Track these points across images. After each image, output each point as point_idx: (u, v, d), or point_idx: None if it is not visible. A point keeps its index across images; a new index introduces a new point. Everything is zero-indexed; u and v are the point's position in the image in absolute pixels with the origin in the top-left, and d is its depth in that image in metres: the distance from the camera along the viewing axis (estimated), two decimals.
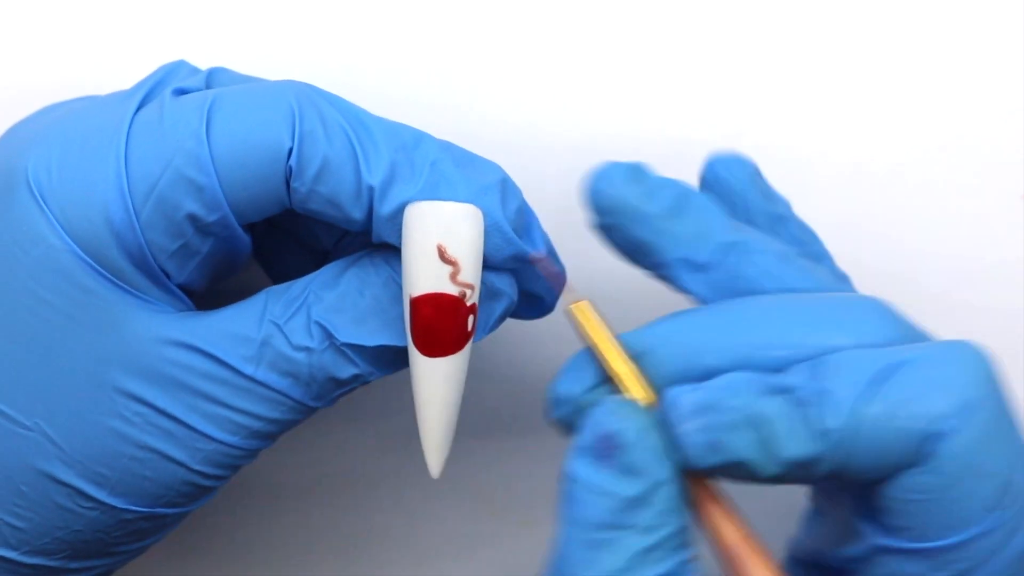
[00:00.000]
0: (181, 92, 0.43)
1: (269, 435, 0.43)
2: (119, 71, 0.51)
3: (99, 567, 0.45)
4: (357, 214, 0.41)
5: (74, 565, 0.44)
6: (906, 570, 0.39)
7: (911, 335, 0.41)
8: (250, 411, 0.42)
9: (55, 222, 0.41)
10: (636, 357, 0.41)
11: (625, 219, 0.43)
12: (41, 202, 0.41)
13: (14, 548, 0.43)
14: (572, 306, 0.42)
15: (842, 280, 0.47)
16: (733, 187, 0.47)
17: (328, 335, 0.42)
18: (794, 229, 0.47)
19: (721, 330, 0.41)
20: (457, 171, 0.42)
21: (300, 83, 0.42)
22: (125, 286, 0.41)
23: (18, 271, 0.41)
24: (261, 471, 0.55)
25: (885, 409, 0.38)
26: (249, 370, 0.42)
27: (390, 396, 0.54)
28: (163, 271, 0.42)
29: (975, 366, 0.39)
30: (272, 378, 0.42)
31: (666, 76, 0.53)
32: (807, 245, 0.47)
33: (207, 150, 0.40)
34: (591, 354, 0.42)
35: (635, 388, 0.41)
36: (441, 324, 0.41)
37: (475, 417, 0.55)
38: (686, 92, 0.53)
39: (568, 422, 0.42)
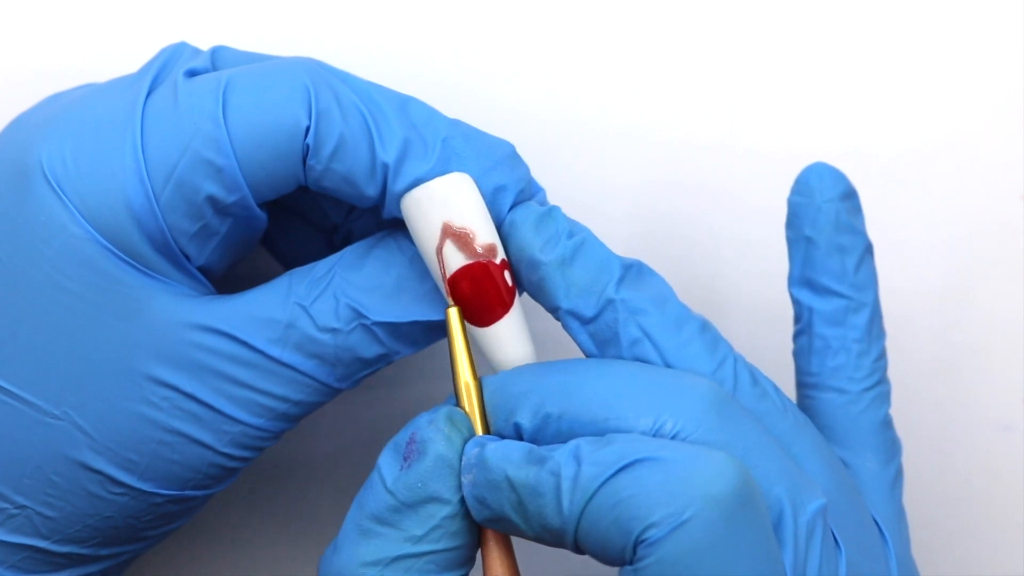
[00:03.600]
0: (192, 74, 0.43)
1: (293, 417, 0.44)
2: (116, 56, 0.51)
3: (129, 552, 0.45)
4: (371, 191, 0.42)
5: (105, 552, 0.44)
6: None
7: (722, 431, 0.40)
8: (275, 393, 0.43)
9: (75, 211, 0.41)
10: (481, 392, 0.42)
11: (523, 264, 0.42)
12: (59, 192, 0.41)
13: (46, 537, 0.43)
14: (449, 309, 0.42)
15: (866, 341, 0.46)
16: (814, 197, 0.46)
17: (358, 315, 0.43)
18: (851, 264, 0.46)
19: (548, 388, 0.41)
20: (467, 146, 0.42)
21: (310, 60, 0.43)
22: (148, 271, 0.42)
23: (40, 262, 0.41)
24: (261, 470, 0.55)
25: (610, 502, 0.38)
26: (275, 352, 0.42)
27: (390, 399, 0.54)
28: (184, 254, 0.42)
29: (710, 480, 0.38)
30: (297, 360, 0.43)
31: (669, 75, 0.53)
32: (856, 289, 0.46)
33: (225, 132, 0.41)
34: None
35: (470, 408, 0.42)
36: (483, 292, 0.42)
37: None
38: (689, 89, 0.53)
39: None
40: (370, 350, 0.43)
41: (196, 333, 0.42)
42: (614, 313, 0.42)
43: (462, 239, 0.41)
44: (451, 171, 0.42)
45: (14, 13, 0.52)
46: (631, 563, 0.38)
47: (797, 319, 0.47)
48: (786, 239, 0.47)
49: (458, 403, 0.42)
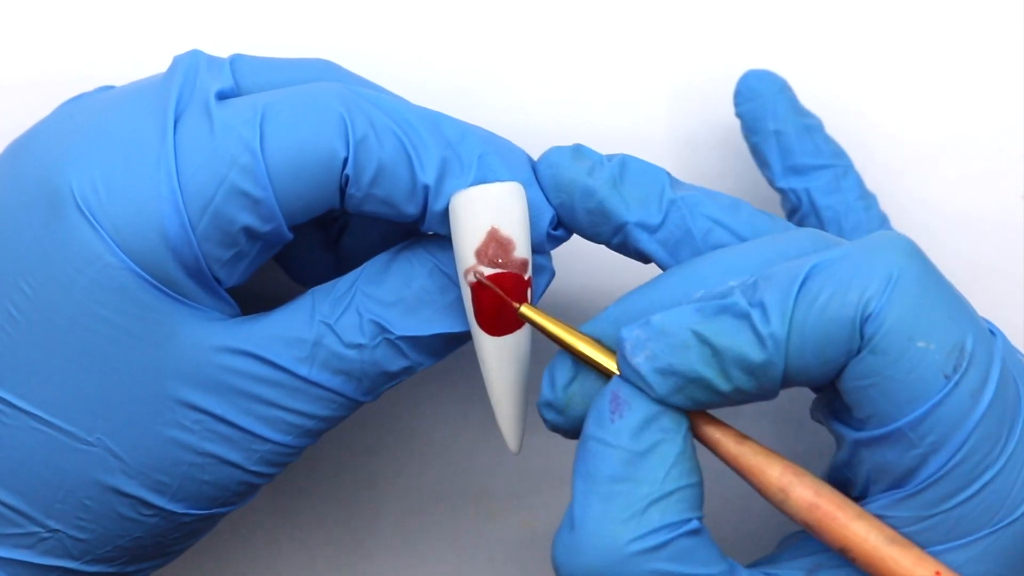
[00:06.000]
0: (221, 95, 0.43)
1: (318, 432, 0.44)
2: (123, 59, 0.51)
3: (153, 566, 0.46)
4: (411, 210, 0.43)
5: (131, 568, 0.45)
6: (886, 457, 0.40)
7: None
8: (303, 411, 0.43)
9: (109, 240, 0.41)
10: (598, 341, 0.43)
11: (577, 193, 0.44)
12: (93, 221, 0.41)
13: (76, 559, 0.44)
14: (522, 309, 0.42)
15: (866, 197, 0.50)
16: (765, 96, 0.50)
17: (382, 330, 0.43)
18: (820, 141, 0.50)
19: (663, 292, 0.42)
20: (502, 163, 0.43)
21: (341, 85, 0.43)
22: (180, 297, 0.42)
23: (73, 291, 0.41)
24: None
25: (816, 304, 0.39)
26: (303, 371, 0.43)
27: (388, 403, 0.54)
28: (215, 279, 0.42)
29: (893, 248, 0.40)
30: (325, 377, 0.43)
31: (671, 75, 0.54)
32: (835, 157, 0.50)
33: (262, 164, 0.41)
34: (559, 357, 0.43)
35: (610, 360, 0.42)
36: (506, 302, 0.42)
37: (475, 417, 0.56)
38: (690, 89, 0.54)
39: (561, 425, 0.43)
40: (395, 363, 0.44)
41: (225, 356, 0.43)
42: (679, 212, 0.44)
43: (504, 247, 0.42)
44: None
45: (21, 18, 0.52)
46: (860, 350, 0.40)
47: (795, 209, 0.50)
48: (751, 147, 0.51)
49: (588, 364, 0.42)
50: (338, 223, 0.50)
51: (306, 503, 0.56)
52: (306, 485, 0.56)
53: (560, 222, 0.44)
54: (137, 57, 0.51)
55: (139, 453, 0.43)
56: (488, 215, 0.42)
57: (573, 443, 0.55)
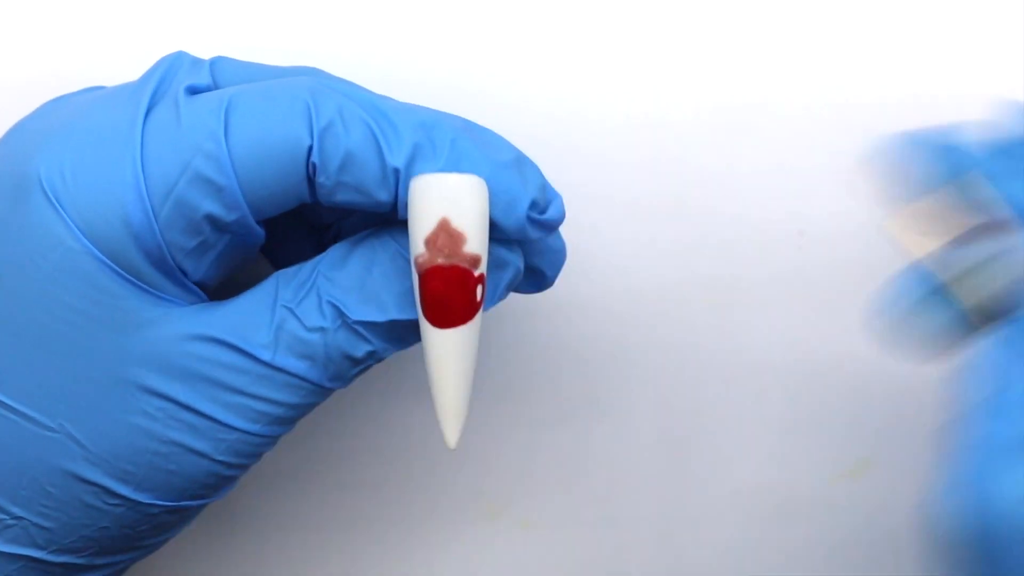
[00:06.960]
0: (193, 90, 0.43)
1: (289, 420, 0.44)
2: (116, 62, 0.51)
3: (124, 561, 0.45)
4: (384, 196, 0.42)
5: (100, 561, 0.44)
6: None
7: None
8: (270, 397, 0.43)
9: (72, 225, 0.41)
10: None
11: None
12: (57, 205, 0.41)
13: (42, 548, 0.43)
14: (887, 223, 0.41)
15: None
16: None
17: (340, 314, 0.43)
18: None
19: None
20: (477, 148, 0.42)
21: (312, 78, 0.43)
22: (144, 285, 0.42)
23: (36, 276, 0.41)
24: (260, 470, 0.55)
25: None
26: (267, 356, 0.43)
27: (386, 402, 0.55)
28: (180, 269, 0.42)
29: None
30: (290, 362, 0.43)
31: (673, 68, 0.54)
32: None
33: (226, 151, 0.41)
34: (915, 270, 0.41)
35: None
36: (451, 296, 0.42)
37: (474, 417, 0.55)
38: (694, 81, 0.54)
39: (898, 323, 0.41)
40: (358, 348, 0.44)
41: (190, 343, 0.42)
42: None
43: (454, 239, 0.42)
44: (460, 172, 0.42)
45: (21, 18, 0.52)
46: None
47: None
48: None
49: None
50: (331, 229, 0.50)
51: (304, 504, 0.56)
52: (304, 486, 0.56)
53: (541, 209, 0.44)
54: (137, 58, 0.51)
55: (102, 440, 0.42)
56: (441, 205, 0.41)
57: (571, 445, 0.56)
